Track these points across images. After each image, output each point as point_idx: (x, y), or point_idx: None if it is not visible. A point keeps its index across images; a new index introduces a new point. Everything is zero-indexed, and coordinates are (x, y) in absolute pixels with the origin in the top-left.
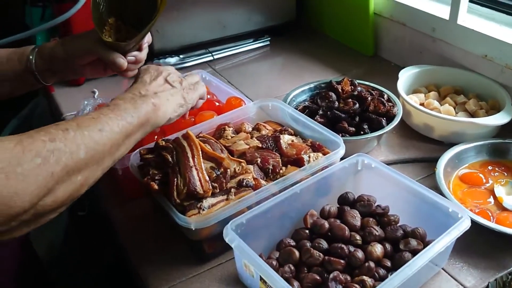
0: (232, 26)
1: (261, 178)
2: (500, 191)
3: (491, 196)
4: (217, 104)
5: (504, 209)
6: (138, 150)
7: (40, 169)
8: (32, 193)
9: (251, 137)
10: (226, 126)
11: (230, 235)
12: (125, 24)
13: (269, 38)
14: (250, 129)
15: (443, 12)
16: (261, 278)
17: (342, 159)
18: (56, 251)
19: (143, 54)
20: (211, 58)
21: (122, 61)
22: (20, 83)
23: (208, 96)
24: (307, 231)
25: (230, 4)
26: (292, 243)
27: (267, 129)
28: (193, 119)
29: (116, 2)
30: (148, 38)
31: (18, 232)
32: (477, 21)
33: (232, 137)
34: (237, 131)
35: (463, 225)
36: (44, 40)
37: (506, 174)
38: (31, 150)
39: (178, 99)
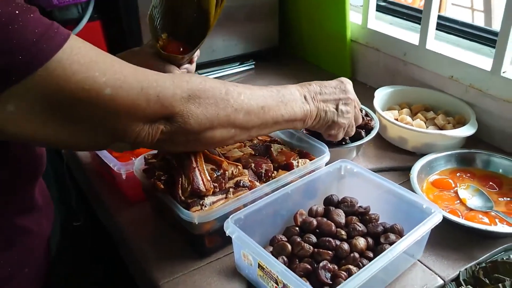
0: (220, 50)
1: (255, 181)
2: (463, 193)
3: (458, 199)
4: None
5: (470, 209)
6: (142, 155)
7: (211, 107)
8: (201, 121)
9: (244, 146)
10: None
11: (230, 228)
12: (176, 39)
13: (253, 62)
14: None
15: (413, 38)
16: (259, 266)
17: (326, 165)
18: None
19: (193, 67)
20: None
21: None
22: None
23: None
24: (297, 228)
25: (219, 30)
26: (284, 238)
27: (259, 139)
28: None
29: (169, 18)
30: (197, 52)
31: (178, 147)
32: (444, 46)
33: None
34: None
35: (436, 218)
36: None
37: (472, 180)
38: (209, 92)
39: (333, 121)
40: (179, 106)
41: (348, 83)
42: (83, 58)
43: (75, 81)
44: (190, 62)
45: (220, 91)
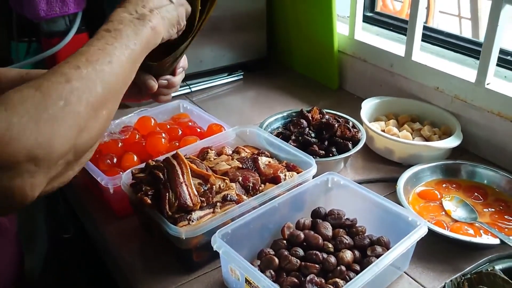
0: (208, 61)
1: (243, 194)
2: (447, 205)
3: (443, 210)
4: (198, 130)
5: (455, 220)
6: (130, 170)
7: (66, 111)
8: (66, 134)
9: (232, 159)
10: (209, 149)
11: (218, 242)
12: (158, 48)
13: (242, 73)
14: (231, 152)
15: (400, 50)
16: (246, 281)
17: (314, 177)
18: (34, 277)
19: (176, 79)
20: (188, 90)
21: (153, 83)
22: None
23: (190, 124)
24: (284, 242)
25: (207, 41)
26: (272, 252)
27: (246, 152)
28: (178, 144)
29: None
30: (184, 63)
31: (67, 176)
32: (429, 57)
33: (214, 159)
34: (219, 153)
35: (421, 231)
36: None
37: (457, 191)
38: (51, 95)
39: (173, 18)
40: (27, 138)
41: None
42: None
43: None
44: (173, 73)
45: (61, 84)
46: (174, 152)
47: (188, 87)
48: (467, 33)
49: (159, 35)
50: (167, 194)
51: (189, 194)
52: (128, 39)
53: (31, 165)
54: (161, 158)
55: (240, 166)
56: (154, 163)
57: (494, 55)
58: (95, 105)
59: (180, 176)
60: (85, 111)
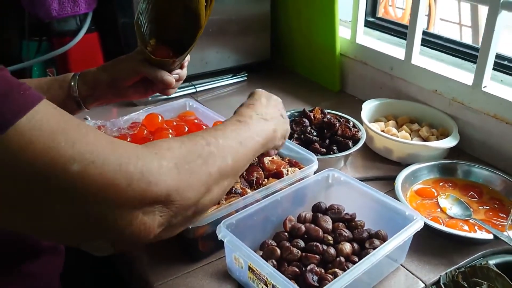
0: (213, 63)
1: (247, 188)
2: (443, 202)
3: (439, 207)
4: (204, 127)
5: (451, 217)
6: None
7: (202, 169)
8: (198, 189)
9: None
10: None
11: (223, 232)
12: (165, 44)
13: (246, 74)
14: None
15: (399, 53)
16: (249, 268)
17: (315, 174)
18: None
19: (184, 72)
20: (194, 90)
21: (171, 78)
22: None
23: (196, 121)
24: (286, 234)
25: (212, 43)
26: (274, 243)
27: None
28: None
29: (156, 24)
30: (188, 57)
31: (176, 231)
32: (428, 61)
33: None
34: None
35: (417, 225)
36: (40, 71)
37: (454, 189)
38: (194, 152)
39: (286, 130)
40: (170, 181)
41: (262, 91)
42: (48, 124)
43: (32, 152)
44: (181, 67)
45: (202, 145)
46: None
47: (193, 87)
48: (468, 41)
49: (275, 140)
50: None
51: None
52: (255, 132)
53: (163, 206)
54: None
55: None
56: None
57: (491, 60)
58: (223, 173)
59: None
60: (215, 174)
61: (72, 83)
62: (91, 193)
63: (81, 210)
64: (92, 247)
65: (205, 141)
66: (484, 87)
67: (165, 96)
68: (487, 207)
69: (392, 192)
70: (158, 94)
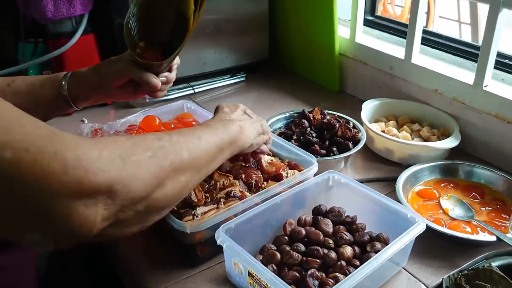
0: (211, 63)
1: (245, 191)
2: (445, 203)
3: (441, 209)
4: None
5: (453, 219)
6: None
7: (151, 161)
8: (146, 181)
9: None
10: None
11: (221, 237)
12: (154, 47)
13: (244, 75)
14: None
15: (399, 53)
16: (249, 274)
17: (315, 176)
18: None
19: (173, 75)
20: (192, 91)
21: (156, 81)
22: (53, 109)
23: (194, 123)
24: (286, 238)
25: (210, 43)
26: (274, 247)
27: None
28: None
29: (146, 27)
30: (177, 60)
31: (129, 228)
32: (429, 60)
33: None
34: None
35: (419, 228)
36: (36, 73)
37: (455, 190)
38: (141, 145)
39: (257, 127)
40: (113, 171)
41: (223, 104)
42: None
43: None
44: (170, 70)
45: (151, 140)
46: None
47: (191, 88)
48: (467, 38)
49: (248, 138)
50: None
51: (194, 190)
52: (216, 130)
53: (107, 198)
54: None
55: (243, 164)
56: None
57: (492, 58)
58: (178, 168)
59: None
60: (168, 168)
61: (63, 82)
62: (25, 182)
63: (16, 200)
64: (31, 241)
65: (155, 137)
66: (485, 86)
67: (163, 98)
68: (490, 208)
69: (393, 194)
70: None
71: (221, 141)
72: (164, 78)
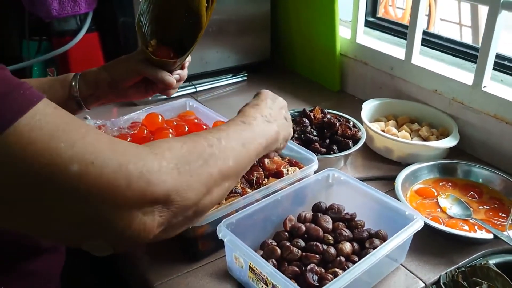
0: (213, 63)
1: (247, 187)
2: (443, 202)
3: (439, 207)
4: (204, 127)
5: (451, 217)
6: None
7: (202, 170)
8: (198, 189)
9: None
10: None
11: (223, 231)
12: (166, 45)
13: (246, 74)
14: None
15: (400, 53)
16: (249, 268)
17: (315, 173)
18: None
19: (185, 72)
20: (194, 90)
21: (171, 79)
22: None
23: (196, 121)
24: (286, 233)
25: (212, 43)
26: (274, 243)
27: None
28: None
29: (158, 24)
30: (188, 58)
31: (175, 231)
32: (429, 61)
33: None
34: None
35: (417, 224)
36: (40, 71)
37: (454, 189)
38: (195, 152)
39: (288, 133)
40: (170, 181)
41: (267, 92)
42: (47, 124)
43: (31, 152)
44: (182, 67)
45: (203, 146)
46: None
47: (193, 86)
48: (468, 41)
49: (278, 142)
50: None
51: None
52: (258, 134)
53: (163, 206)
54: None
55: None
56: None
57: (491, 59)
58: (224, 174)
59: None
60: (216, 175)
61: (73, 83)
62: (91, 194)
63: (81, 211)
64: (92, 247)
65: (207, 142)
66: (484, 87)
67: (165, 96)
68: (487, 207)
69: (392, 192)
70: (158, 94)
71: (260, 147)
72: (178, 76)
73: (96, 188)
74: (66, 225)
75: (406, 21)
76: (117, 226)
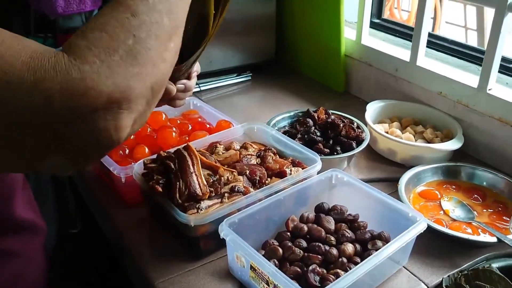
0: (217, 62)
1: (249, 187)
2: (446, 205)
3: (442, 209)
4: (208, 126)
5: (454, 220)
6: (141, 160)
7: (137, 49)
8: (141, 72)
9: (240, 154)
10: (218, 144)
11: (225, 230)
12: None
13: (250, 74)
14: (238, 147)
15: (405, 55)
16: (251, 267)
17: (318, 174)
18: None
19: (192, 82)
20: (198, 89)
21: (171, 87)
22: None
23: (199, 119)
24: (288, 234)
25: (217, 42)
26: (276, 243)
27: (254, 147)
28: (187, 138)
29: None
30: (197, 67)
31: (145, 116)
32: (433, 63)
33: (223, 153)
34: (227, 148)
35: (420, 227)
36: None
37: (457, 192)
38: (119, 34)
39: None
40: (102, 83)
41: None
42: None
43: None
44: (188, 77)
45: (127, 20)
46: (185, 144)
47: (198, 86)
48: (473, 44)
49: None
50: (178, 183)
51: (199, 184)
52: None
53: (113, 109)
54: (172, 150)
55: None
56: (165, 154)
57: (496, 62)
58: (164, 39)
59: (191, 166)
60: (156, 45)
61: None
62: (25, 109)
63: (24, 127)
64: (50, 166)
65: (130, 10)
66: (489, 89)
67: None
68: (491, 210)
69: (395, 194)
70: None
71: None
72: (182, 85)
73: (27, 101)
74: (17, 146)
75: (411, 24)
76: (67, 138)
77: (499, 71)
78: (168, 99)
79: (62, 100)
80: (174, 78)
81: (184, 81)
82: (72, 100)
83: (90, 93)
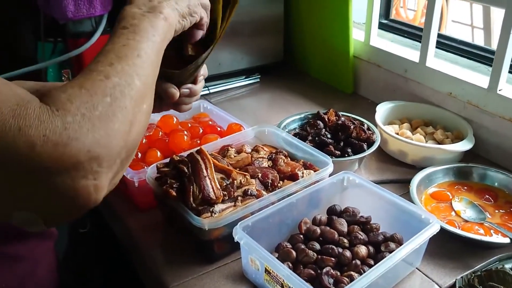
0: (226, 64)
1: (262, 190)
2: (457, 206)
3: (453, 210)
4: (218, 129)
5: (466, 221)
6: (154, 164)
7: (115, 106)
8: (120, 130)
9: (251, 157)
10: (229, 147)
11: (239, 234)
12: (176, 56)
13: (259, 76)
14: (250, 150)
15: (414, 56)
16: (266, 270)
17: (330, 176)
18: None
19: (198, 87)
20: (207, 92)
21: (174, 91)
22: None
23: (210, 123)
24: (301, 236)
25: (226, 45)
26: (289, 245)
27: (265, 150)
28: (199, 141)
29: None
30: (204, 71)
31: (118, 177)
32: (443, 64)
33: (234, 156)
34: (238, 151)
35: (433, 228)
36: (55, 72)
37: (469, 193)
38: (96, 92)
39: (183, 8)
40: (83, 135)
41: None
42: None
43: None
44: (194, 82)
45: (101, 81)
46: (198, 148)
47: (206, 88)
48: (480, 43)
49: (172, 27)
50: (191, 187)
51: (212, 188)
52: (146, 32)
53: (93, 165)
54: (184, 154)
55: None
56: (178, 158)
57: (507, 62)
58: (137, 99)
59: (204, 170)
60: (130, 105)
61: None
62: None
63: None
64: (21, 220)
65: (103, 74)
66: (499, 90)
67: None
68: (503, 211)
69: (407, 195)
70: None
71: (157, 45)
72: (187, 90)
73: (7, 158)
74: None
75: (417, 23)
76: (42, 193)
77: (509, 71)
78: (173, 103)
79: (45, 149)
80: (179, 83)
81: (190, 85)
82: (55, 149)
83: (73, 144)
